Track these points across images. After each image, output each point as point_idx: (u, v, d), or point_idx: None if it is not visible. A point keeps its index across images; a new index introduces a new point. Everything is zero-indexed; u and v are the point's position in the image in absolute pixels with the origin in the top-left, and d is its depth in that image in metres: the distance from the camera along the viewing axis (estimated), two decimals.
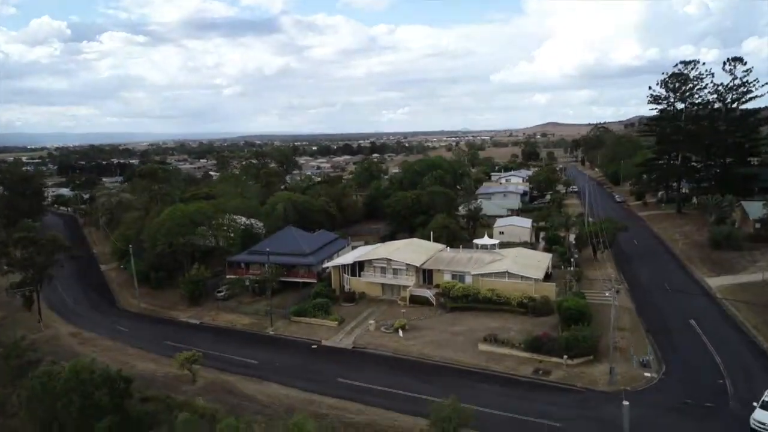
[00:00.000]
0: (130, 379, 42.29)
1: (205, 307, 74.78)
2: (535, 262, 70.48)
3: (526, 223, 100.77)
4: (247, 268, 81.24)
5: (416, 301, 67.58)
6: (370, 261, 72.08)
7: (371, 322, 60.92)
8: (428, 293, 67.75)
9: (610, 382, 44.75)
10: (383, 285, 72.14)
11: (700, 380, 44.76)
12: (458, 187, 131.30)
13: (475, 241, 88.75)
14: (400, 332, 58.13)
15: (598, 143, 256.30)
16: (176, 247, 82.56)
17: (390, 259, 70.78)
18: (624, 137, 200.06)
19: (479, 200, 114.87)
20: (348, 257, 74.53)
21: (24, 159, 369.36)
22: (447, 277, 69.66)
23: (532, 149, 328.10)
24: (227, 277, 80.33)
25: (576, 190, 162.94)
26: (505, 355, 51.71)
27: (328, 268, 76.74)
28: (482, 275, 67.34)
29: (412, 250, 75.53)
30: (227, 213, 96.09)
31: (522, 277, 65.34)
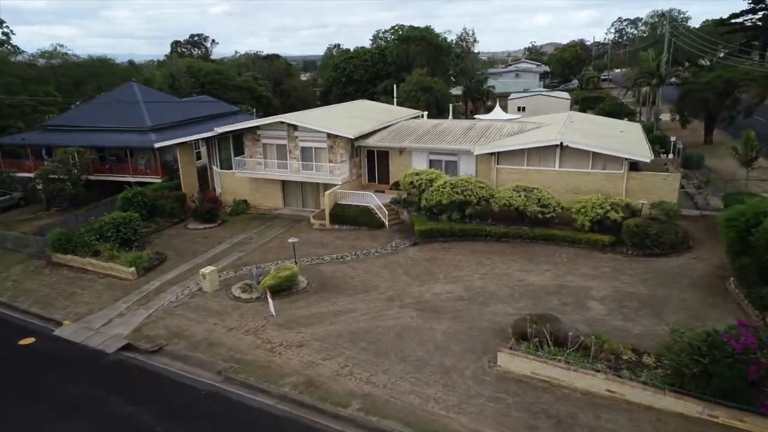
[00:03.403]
0: None
1: None
2: (617, 132, 31.98)
3: (562, 95, 61.31)
4: (48, 157, 42.45)
5: (348, 218, 29.50)
6: (253, 132, 33.30)
7: (208, 270, 22.77)
8: (373, 200, 29.55)
9: None
10: (284, 185, 33.91)
11: None
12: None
13: (478, 116, 49.86)
14: (271, 305, 20.21)
15: (621, 42, 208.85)
16: None
17: (295, 126, 32.04)
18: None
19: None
20: (213, 132, 35.29)
21: None
22: (419, 164, 31.34)
23: (537, 56, 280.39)
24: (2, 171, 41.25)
25: (609, 77, 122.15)
26: (594, 399, 14.22)
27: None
28: (500, 155, 28.99)
29: (349, 115, 36.74)
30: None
31: (594, 155, 27.06)
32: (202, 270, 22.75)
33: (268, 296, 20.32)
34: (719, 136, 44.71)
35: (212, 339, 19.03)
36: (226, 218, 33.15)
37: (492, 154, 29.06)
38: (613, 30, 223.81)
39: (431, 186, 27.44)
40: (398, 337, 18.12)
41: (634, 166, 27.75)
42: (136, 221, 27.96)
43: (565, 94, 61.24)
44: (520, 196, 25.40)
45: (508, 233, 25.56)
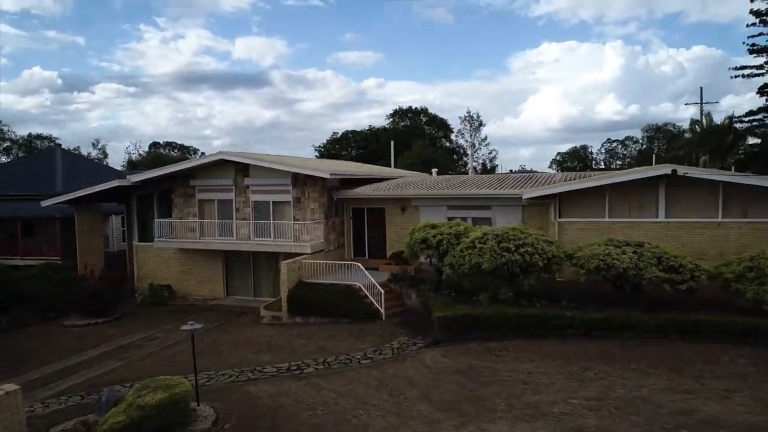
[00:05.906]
0: None
1: None
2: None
3: None
4: None
5: (319, 304, 17.65)
6: (186, 185, 22.51)
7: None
8: (359, 276, 18.00)
9: None
10: (227, 262, 22.42)
11: None
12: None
13: None
14: None
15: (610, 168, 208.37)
16: None
17: (245, 168, 21.37)
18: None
19: None
20: (126, 180, 24.49)
21: None
22: (433, 216, 20.02)
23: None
24: None
25: None
26: None
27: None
28: (563, 201, 17.96)
29: (328, 163, 26.50)
30: None
31: (727, 193, 16.10)
32: None
33: None
34: None
35: None
36: (135, 310, 21.27)
37: (552, 198, 18.16)
38: (603, 150, 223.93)
39: (453, 248, 16.10)
40: None
41: None
42: None
43: None
44: (625, 254, 14.03)
45: (607, 322, 13.82)
